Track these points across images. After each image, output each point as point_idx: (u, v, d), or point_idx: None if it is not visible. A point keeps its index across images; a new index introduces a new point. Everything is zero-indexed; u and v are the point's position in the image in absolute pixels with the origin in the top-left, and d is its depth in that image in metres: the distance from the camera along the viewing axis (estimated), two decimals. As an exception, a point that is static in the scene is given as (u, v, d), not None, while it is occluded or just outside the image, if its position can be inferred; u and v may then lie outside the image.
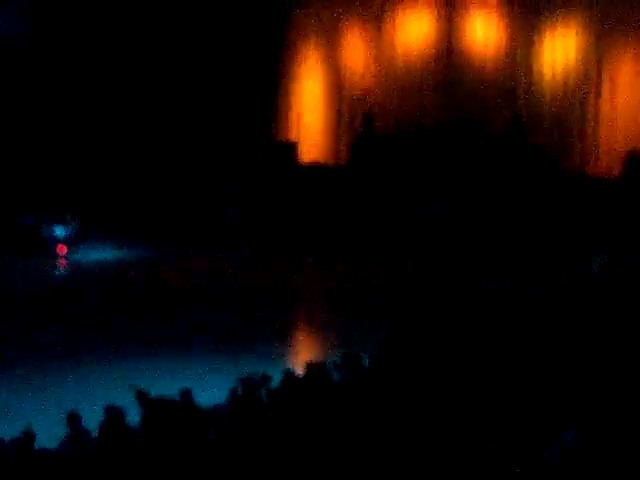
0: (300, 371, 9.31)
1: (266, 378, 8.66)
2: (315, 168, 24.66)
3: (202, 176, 24.09)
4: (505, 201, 22.55)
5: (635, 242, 19.59)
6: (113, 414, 7.43)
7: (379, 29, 25.07)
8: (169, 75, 24.42)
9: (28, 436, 7.23)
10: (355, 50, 25.20)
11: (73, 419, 7.33)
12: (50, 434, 7.50)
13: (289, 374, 9.09)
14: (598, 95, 23.36)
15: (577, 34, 23.52)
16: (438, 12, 24.43)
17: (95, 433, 7.42)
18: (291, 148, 24.99)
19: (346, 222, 23.16)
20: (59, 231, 21.85)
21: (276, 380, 8.98)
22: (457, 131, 23.53)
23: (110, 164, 23.78)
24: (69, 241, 21.80)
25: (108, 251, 21.77)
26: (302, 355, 14.58)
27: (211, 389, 9.56)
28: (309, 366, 9.00)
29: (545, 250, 21.19)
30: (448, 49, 24.49)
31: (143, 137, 24.14)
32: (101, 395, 10.70)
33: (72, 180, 23.13)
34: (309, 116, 25.50)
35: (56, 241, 21.74)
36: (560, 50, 23.68)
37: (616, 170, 22.87)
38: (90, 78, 24.00)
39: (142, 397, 8.23)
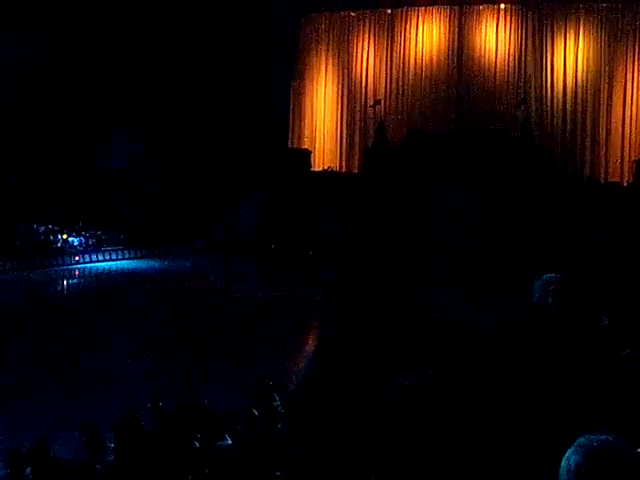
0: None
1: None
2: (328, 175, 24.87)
3: (218, 185, 24.25)
4: (516, 208, 22.56)
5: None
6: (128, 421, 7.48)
7: (390, 38, 25.30)
8: (183, 83, 24.65)
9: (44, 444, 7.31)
10: (367, 58, 25.45)
11: (89, 428, 7.39)
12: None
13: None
14: (610, 101, 23.49)
15: (590, 39, 23.66)
16: (451, 19, 24.61)
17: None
18: (305, 156, 25.24)
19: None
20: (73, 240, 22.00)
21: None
22: (470, 138, 23.66)
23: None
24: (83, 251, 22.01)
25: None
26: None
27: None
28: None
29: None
30: (459, 56, 24.67)
31: (160, 147, 24.32)
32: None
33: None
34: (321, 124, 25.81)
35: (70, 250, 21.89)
36: (572, 55, 23.84)
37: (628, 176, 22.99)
38: (101, 86, 24.15)
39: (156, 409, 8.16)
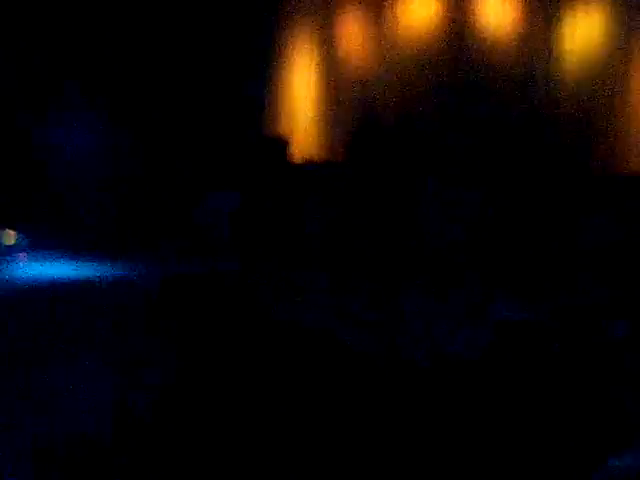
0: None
1: None
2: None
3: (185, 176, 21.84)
4: (520, 204, 20.20)
5: None
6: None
7: (380, 12, 22.63)
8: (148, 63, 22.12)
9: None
10: (354, 36, 22.74)
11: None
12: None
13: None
14: (627, 81, 20.88)
15: (605, 14, 21.03)
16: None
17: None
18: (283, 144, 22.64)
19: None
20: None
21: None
22: (466, 126, 21.09)
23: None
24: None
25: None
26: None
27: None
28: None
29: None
30: (457, 33, 22.03)
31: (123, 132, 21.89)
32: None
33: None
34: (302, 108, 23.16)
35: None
36: (584, 34, 21.17)
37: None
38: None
39: None
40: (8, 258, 19.25)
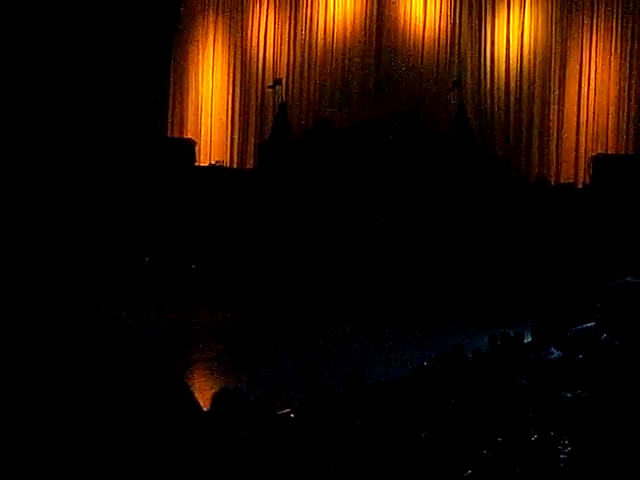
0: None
1: None
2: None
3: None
4: (446, 210, 18.61)
5: None
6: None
7: (295, 6, 20.87)
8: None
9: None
10: (266, 29, 20.91)
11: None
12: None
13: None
14: (562, 85, 19.51)
15: (539, 9, 19.65)
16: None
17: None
18: (188, 147, 20.60)
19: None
20: None
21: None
22: (390, 126, 19.41)
23: None
24: None
25: None
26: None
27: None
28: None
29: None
30: (378, 30, 20.42)
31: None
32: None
33: None
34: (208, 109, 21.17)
35: None
36: (517, 29, 19.74)
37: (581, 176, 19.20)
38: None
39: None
40: None
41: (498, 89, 19.85)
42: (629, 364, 3.28)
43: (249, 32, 20.91)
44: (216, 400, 5.77)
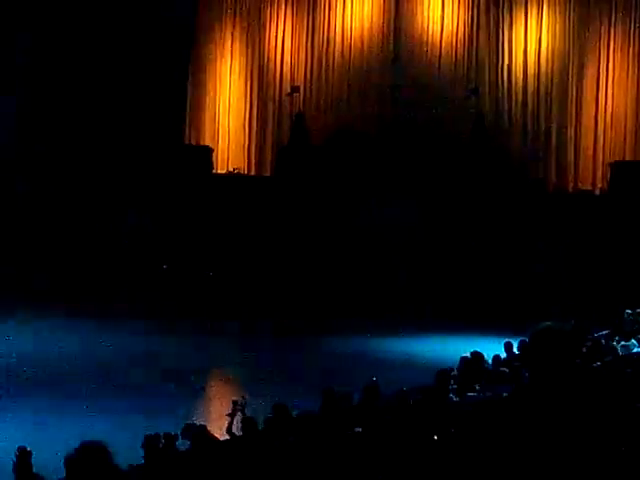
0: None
1: None
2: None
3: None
4: (464, 216, 18.56)
5: None
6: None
7: (312, 13, 20.85)
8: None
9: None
10: (283, 37, 20.92)
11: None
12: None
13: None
14: (580, 92, 19.44)
15: (557, 16, 19.60)
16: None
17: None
18: (206, 154, 20.57)
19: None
20: None
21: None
22: (407, 134, 19.38)
23: None
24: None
25: None
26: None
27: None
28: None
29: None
30: (396, 37, 20.38)
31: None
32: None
33: None
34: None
35: None
36: (534, 36, 19.69)
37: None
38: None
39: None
40: None
41: (516, 95, 19.81)
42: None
43: (266, 40, 20.91)
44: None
